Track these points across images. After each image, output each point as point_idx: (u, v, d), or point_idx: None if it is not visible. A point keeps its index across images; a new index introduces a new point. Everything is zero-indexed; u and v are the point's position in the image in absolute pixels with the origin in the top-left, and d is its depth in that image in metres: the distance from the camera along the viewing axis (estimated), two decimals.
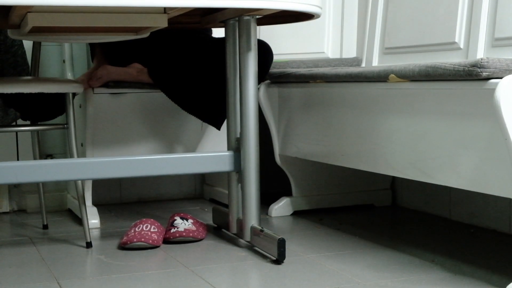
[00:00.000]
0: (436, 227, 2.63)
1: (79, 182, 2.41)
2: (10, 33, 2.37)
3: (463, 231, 2.54)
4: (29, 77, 2.57)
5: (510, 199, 2.44)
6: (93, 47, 2.88)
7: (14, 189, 3.10)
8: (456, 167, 1.95)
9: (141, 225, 2.38)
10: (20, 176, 2.14)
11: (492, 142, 1.82)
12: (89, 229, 2.40)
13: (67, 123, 2.39)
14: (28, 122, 2.65)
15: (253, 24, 2.25)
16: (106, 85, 2.71)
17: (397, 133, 2.16)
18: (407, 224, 2.72)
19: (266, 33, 3.01)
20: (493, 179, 1.83)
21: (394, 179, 3.05)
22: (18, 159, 3.03)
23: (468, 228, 2.58)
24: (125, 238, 2.35)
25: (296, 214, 2.88)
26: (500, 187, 1.81)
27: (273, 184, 3.03)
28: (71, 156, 2.39)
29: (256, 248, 2.29)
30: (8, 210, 3.10)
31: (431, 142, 2.02)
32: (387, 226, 2.72)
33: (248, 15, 2.23)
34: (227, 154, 2.34)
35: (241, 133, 2.31)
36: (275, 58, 2.76)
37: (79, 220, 2.76)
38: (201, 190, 3.39)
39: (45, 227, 2.72)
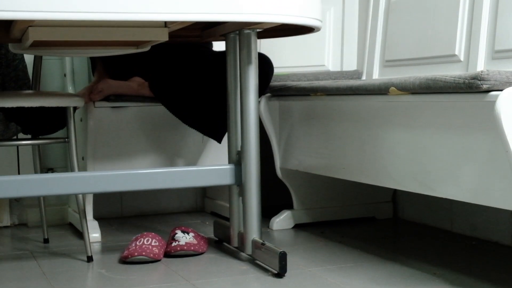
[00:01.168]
0: (438, 239, 2.63)
1: (80, 196, 2.41)
2: (11, 47, 2.37)
3: (465, 244, 2.54)
4: (30, 91, 2.57)
5: (511, 211, 2.44)
6: (94, 61, 2.88)
7: (15, 203, 3.10)
8: (457, 180, 1.95)
9: (142, 239, 2.38)
10: (21, 190, 2.14)
11: (493, 154, 1.81)
12: (90, 243, 2.40)
13: (68, 137, 2.39)
14: (29, 136, 2.65)
15: (253, 37, 2.26)
16: (107, 98, 2.72)
17: (398, 146, 2.16)
18: (408, 237, 2.72)
19: (266, 46, 3.01)
20: (494, 191, 1.83)
21: (395, 191, 3.05)
22: (19, 173, 3.03)
23: (469, 241, 2.58)
24: (126, 252, 2.35)
25: (298, 227, 2.88)
26: (501, 199, 1.81)
27: (274, 197, 3.03)
28: (72, 170, 2.39)
29: (258, 262, 2.29)
30: (9, 224, 3.09)
31: (432, 155, 2.02)
32: (389, 239, 2.71)
33: (249, 29, 2.24)
34: (228, 167, 2.34)
35: (242, 147, 2.31)
36: (276, 71, 2.76)
37: (80, 234, 2.76)
38: (202, 204, 3.39)
39: (46, 241, 2.71)
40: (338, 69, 3.11)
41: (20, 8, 1.72)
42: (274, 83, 2.76)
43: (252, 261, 2.31)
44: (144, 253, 2.31)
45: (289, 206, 2.92)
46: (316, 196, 2.93)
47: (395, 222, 2.99)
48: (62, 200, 3.14)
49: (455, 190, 1.96)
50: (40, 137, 2.61)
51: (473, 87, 1.78)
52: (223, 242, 2.59)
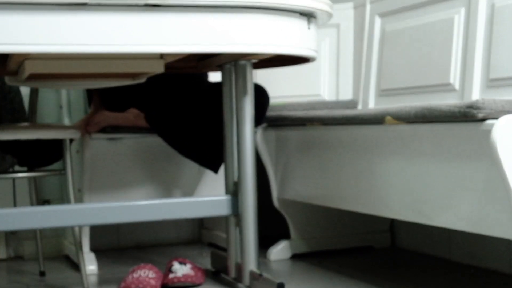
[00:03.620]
0: (436, 268, 2.61)
1: (76, 228, 2.40)
2: (8, 80, 2.38)
3: (463, 272, 2.53)
4: (26, 124, 2.57)
5: (509, 240, 2.43)
6: (90, 92, 2.89)
7: (11, 236, 3.09)
8: (454, 208, 1.94)
9: (139, 271, 2.36)
10: (17, 222, 2.13)
11: (490, 182, 1.81)
12: (86, 275, 2.38)
13: (64, 169, 2.39)
14: (25, 168, 2.64)
15: (249, 68, 2.26)
16: (103, 130, 2.72)
17: (394, 175, 2.16)
18: (406, 266, 2.71)
19: (262, 76, 3.02)
20: (492, 220, 1.82)
21: (393, 220, 3.04)
22: (15, 206, 3.02)
23: (468, 269, 2.57)
24: (122, 284, 2.33)
25: (295, 257, 2.86)
26: (499, 228, 1.81)
27: (272, 227, 3.01)
28: (68, 201, 2.38)
29: None
30: (5, 257, 3.07)
31: (429, 184, 2.02)
32: (387, 268, 2.70)
33: (244, 60, 2.25)
34: (224, 198, 2.33)
35: (238, 177, 2.30)
36: (272, 101, 2.77)
37: (76, 266, 2.74)
38: (199, 234, 3.37)
39: (42, 274, 2.69)
40: (334, 98, 3.12)
41: (17, 42, 1.73)
42: (270, 113, 2.76)
43: None
44: (141, 285, 2.30)
45: (286, 236, 2.91)
46: (313, 226, 2.92)
47: (393, 251, 2.98)
48: (58, 232, 3.12)
49: (452, 219, 1.96)
50: (36, 169, 2.60)
51: (469, 116, 1.78)
52: (221, 273, 2.57)
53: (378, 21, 2.97)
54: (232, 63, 2.34)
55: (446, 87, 2.54)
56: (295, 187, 2.72)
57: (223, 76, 2.40)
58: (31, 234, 2.99)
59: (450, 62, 2.54)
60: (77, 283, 2.49)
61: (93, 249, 2.88)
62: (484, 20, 2.44)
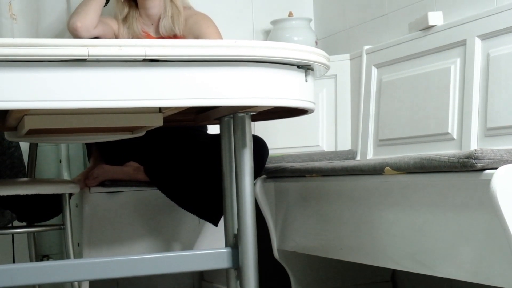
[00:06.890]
0: None
1: (76, 282, 2.38)
2: (7, 135, 2.38)
3: None
4: (25, 179, 2.57)
5: None
6: (89, 146, 2.89)
7: None
8: (456, 259, 1.93)
9: None
10: (16, 278, 2.11)
11: (490, 232, 1.81)
12: None
13: (63, 224, 2.38)
14: (24, 224, 2.63)
15: (247, 120, 2.27)
16: (102, 184, 2.71)
17: (395, 226, 2.15)
18: None
19: (260, 128, 3.03)
20: (493, 269, 1.81)
21: (394, 271, 3.02)
22: (14, 261, 3.00)
23: None
24: None
25: None
26: (501, 277, 1.80)
27: (272, 279, 2.99)
28: (68, 256, 2.37)
29: None
30: None
31: (430, 234, 2.01)
32: None
33: (243, 112, 2.25)
34: (225, 251, 2.31)
35: (238, 229, 2.29)
36: (271, 152, 2.77)
37: None
38: (199, 287, 3.34)
39: None
40: (333, 149, 3.13)
41: (16, 98, 1.73)
42: (269, 165, 2.76)
43: None
44: None
45: None
46: (314, 277, 2.90)
47: None
48: (58, 287, 3.09)
49: (454, 269, 1.95)
50: (35, 224, 2.60)
51: (468, 166, 1.78)
52: None
53: (374, 71, 2.99)
54: (230, 115, 2.35)
55: (444, 137, 2.55)
56: (295, 239, 2.70)
57: (222, 129, 2.41)
58: None
59: (447, 112, 2.55)
60: None
61: None
62: (479, 70, 2.46)
